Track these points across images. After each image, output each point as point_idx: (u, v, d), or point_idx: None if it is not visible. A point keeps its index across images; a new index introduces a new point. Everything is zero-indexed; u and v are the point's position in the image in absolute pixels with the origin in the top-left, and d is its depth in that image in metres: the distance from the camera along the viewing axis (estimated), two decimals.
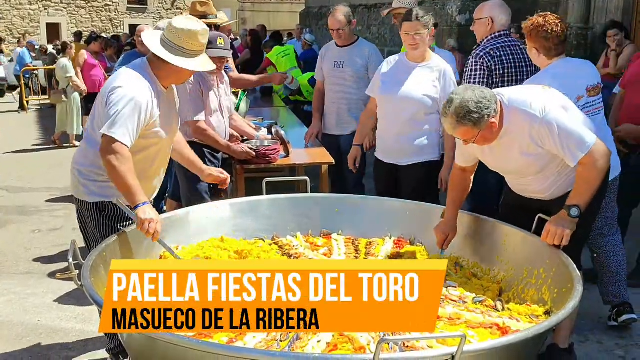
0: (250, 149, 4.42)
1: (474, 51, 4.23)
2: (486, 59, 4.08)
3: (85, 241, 3.21)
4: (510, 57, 4.15)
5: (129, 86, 2.89)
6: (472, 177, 3.21)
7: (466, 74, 4.17)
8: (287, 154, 4.76)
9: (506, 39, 4.20)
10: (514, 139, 2.84)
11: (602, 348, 3.69)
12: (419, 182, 4.10)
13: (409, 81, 4.05)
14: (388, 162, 4.21)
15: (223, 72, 4.45)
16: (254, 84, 6.70)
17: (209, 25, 4.73)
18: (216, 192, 4.66)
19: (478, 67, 4.10)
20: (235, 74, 5.22)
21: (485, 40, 4.21)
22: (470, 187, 3.22)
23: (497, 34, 4.18)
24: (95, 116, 3.00)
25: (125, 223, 3.01)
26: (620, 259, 3.80)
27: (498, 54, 4.11)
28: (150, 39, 3.03)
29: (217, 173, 3.48)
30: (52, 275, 4.84)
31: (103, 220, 3.05)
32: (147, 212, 2.74)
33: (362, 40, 5.30)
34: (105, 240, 2.75)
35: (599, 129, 3.19)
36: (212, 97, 4.29)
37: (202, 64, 3.04)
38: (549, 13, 3.58)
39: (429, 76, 4.04)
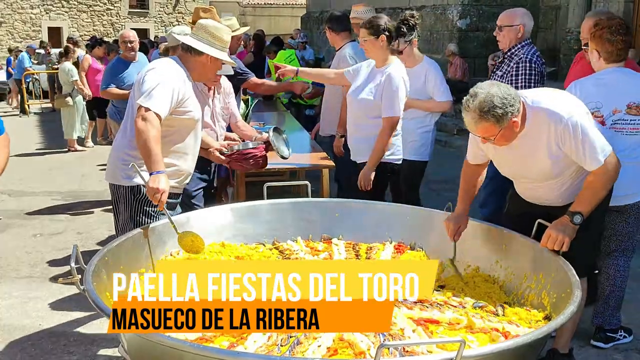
0: (223, 154, 4.04)
1: (515, 57, 4.25)
2: (539, 64, 4.17)
3: (116, 230, 3.51)
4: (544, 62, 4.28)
5: (162, 68, 3.24)
6: (484, 171, 3.19)
7: (519, 77, 4.19)
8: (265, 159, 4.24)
9: (534, 47, 4.30)
10: (537, 141, 2.81)
11: (601, 352, 3.70)
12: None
13: (361, 85, 4.27)
14: (352, 159, 4.48)
15: (224, 81, 4.42)
16: (275, 89, 6.69)
17: None
18: (218, 198, 4.66)
19: (534, 71, 4.15)
20: (256, 79, 5.22)
21: (519, 46, 4.27)
22: (482, 181, 3.22)
23: (529, 41, 4.30)
24: (133, 103, 3.24)
25: (155, 208, 3.21)
26: (616, 284, 3.66)
27: (543, 60, 4.23)
28: (181, 36, 3.48)
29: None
30: (53, 279, 4.85)
31: (135, 204, 3.30)
32: (157, 181, 2.92)
33: (347, 45, 5.30)
34: (109, 243, 2.78)
35: (630, 149, 3.10)
36: (206, 110, 4.25)
37: (227, 58, 3.43)
38: (618, 17, 3.48)
39: (376, 82, 4.18)
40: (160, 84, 3.11)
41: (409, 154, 4.80)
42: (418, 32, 4.77)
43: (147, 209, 3.28)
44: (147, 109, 3.03)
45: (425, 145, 4.83)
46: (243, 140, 4.40)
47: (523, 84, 4.14)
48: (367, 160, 4.22)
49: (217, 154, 4.00)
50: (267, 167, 4.56)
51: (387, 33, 4.12)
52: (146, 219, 3.24)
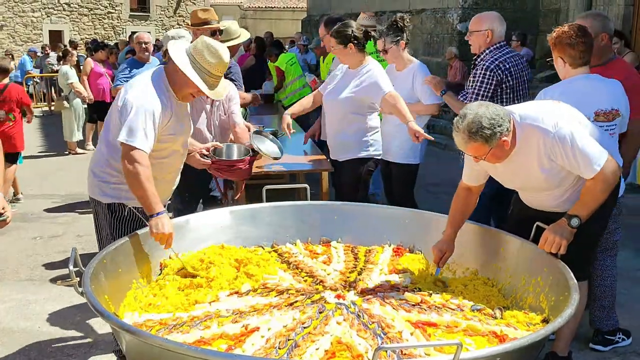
0: (206, 156, 3.86)
1: (481, 62, 4.24)
2: (497, 72, 4.14)
3: (98, 242, 3.35)
4: (516, 67, 4.23)
5: (139, 95, 3.00)
6: (476, 199, 3.15)
7: (474, 83, 4.20)
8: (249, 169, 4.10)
9: (507, 50, 4.26)
10: (530, 156, 2.81)
11: (600, 355, 3.70)
12: (353, 175, 4.48)
13: (339, 87, 4.41)
14: (333, 159, 4.64)
15: (227, 85, 4.39)
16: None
17: (214, 32, 4.74)
18: (219, 201, 4.66)
19: (487, 78, 4.14)
20: (243, 94, 5.17)
21: (487, 52, 4.25)
22: (474, 209, 3.16)
23: (498, 45, 4.25)
24: (111, 121, 3.10)
25: (135, 225, 3.09)
26: (606, 284, 3.69)
27: (507, 66, 4.18)
28: (176, 52, 3.07)
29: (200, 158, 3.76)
30: (52, 282, 4.86)
31: (114, 222, 3.16)
32: (159, 225, 2.82)
33: None
34: (107, 246, 2.78)
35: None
36: (202, 117, 4.22)
37: (217, 93, 3.14)
38: (575, 23, 3.48)
39: (357, 81, 4.34)
40: (139, 116, 2.91)
41: (399, 157, 4.80)
42: (408, 35, 4.78)
43: (128, 228, 3.10)
44: (132, 147, 2.87)
45: (415, 148, 4.75)
46: (230, 143, 4.26)
47: (475, 90, 4.18)
48: (350, 158, 4.43)
49: (198, 156, 3.79)
50: (266, 170, 4.62)
51: (355, 41, 4.26)
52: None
